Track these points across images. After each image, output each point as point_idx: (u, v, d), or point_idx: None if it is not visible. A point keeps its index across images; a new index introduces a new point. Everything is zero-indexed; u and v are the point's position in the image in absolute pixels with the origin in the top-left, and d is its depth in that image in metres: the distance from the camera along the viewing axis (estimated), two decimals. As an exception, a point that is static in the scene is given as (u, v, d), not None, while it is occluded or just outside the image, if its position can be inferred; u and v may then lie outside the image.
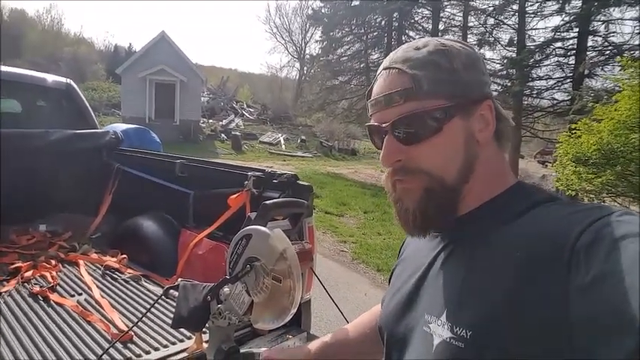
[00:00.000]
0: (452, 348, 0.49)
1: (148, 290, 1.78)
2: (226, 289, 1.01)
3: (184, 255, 1.80)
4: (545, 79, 13.26)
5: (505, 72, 13.59)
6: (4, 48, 19.49)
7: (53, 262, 1.99)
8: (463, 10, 15.10)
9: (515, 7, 13.61)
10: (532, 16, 13.45)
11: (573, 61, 12.88)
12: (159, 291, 1.77)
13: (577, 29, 12.58)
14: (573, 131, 4.55)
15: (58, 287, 1.73)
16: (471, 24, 15.31)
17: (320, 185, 9.58)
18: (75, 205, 2.50)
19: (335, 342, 0.82)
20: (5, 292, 1.64)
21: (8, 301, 1.57)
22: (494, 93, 14.18)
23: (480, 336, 0.47)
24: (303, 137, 20.50)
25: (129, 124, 3.60)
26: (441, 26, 15.46)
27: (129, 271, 1.95)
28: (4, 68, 2.73)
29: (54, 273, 1.85)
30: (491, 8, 14.14)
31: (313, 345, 0.84)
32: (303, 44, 31.29)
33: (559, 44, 12.94)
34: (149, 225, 2.15)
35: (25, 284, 1.73)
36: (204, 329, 1.30)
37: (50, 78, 2.89)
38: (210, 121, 20.58)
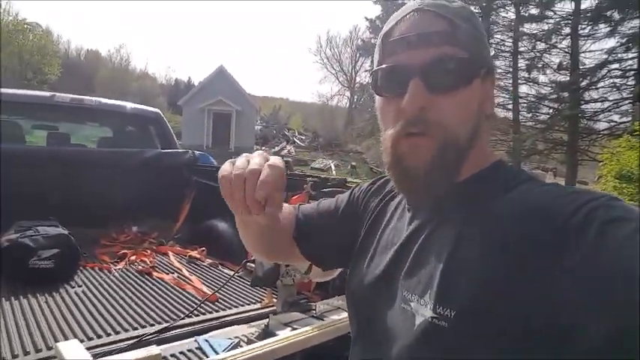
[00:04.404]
0: (434, 327, 0.48)
1: (225, 273, 2.19)
2: (292, 255, 1.39)
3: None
4: (601, 101, 12.95)
5: (556, 96, 13.41)
6: (79, 85, 21.71)
7: (149, 251, 2.47)
8: (513, 37, 15.05)
9: (568, 30, 13.39)
10: (585, 38, 13.29)
11: (632, 82, 12.22)
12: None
13: (636, 50, 12.04)
14: (616, 149, 4.60)
15: (156, 268, 2.19)
16: (521, 49, 15.23)
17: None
18: (160, 211, 3.01)
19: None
20: (118, 269, 2.13)
21: (123, 275, 2.05)
22: (545, 116, 13.97)
23: (465, 315, 0.46)
24: (354, 163, 20.95)
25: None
26: (491, 52, 15.53)
27: (208, 260, 2.38)
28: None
29: (151, 259, 2.32)
30: (541, 33, 13.91)
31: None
32: (353, 73, 32.25)
33: (615, 65, 12.64)
34: (223, 225, 2.60)
35: (132, 265, 2.21)
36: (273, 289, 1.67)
37: (145, 108, 3.54)
38: (263, 147, 21.62)
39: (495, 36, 15.64)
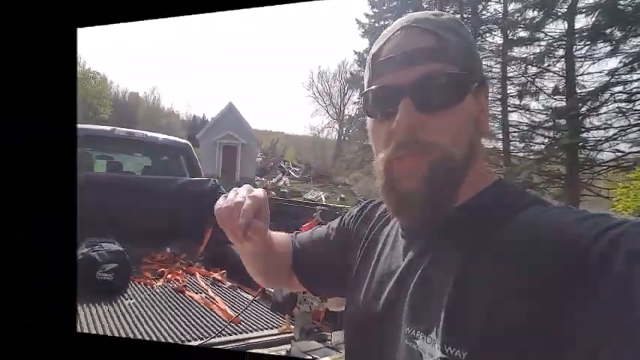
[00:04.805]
0: None
1: (243, 296, 2.48)
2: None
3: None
4: (604, 129, 11.10)
5: (552, 123, 12.17)
6: (124, 121, 24.57)
7: (180, 271, 2.80)
8: (501, 61, 13.82)
9: (562, 51, 11.95)
10: (582, 60, 11.71)
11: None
12: (251, 297, 2.46)
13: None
14: (632, 183, 4.17)
15: (187, 287, 2.52)
16: (510, 74, 13.89)
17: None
18: (189, 234, 3.30)
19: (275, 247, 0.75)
20: (159, 285, 2.47)
21: (163, 292, 2.39)
22: (541, 147, 12.47)
23: (478, 356, 0.42)
24: (342, 195, 21.00)
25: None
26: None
27: (228, 282, 2.69)
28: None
29: (183, 278, 2.65)
30: (532, 56, 12.49)
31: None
32: (341, 106, 32.28)
33: (619, 88, 10.90)
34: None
35: (168, 282, 2.54)
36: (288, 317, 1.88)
37: (177, 139, 4.04)
38: (262, 179, 22.27)
39: (482, 63, 14.84)
